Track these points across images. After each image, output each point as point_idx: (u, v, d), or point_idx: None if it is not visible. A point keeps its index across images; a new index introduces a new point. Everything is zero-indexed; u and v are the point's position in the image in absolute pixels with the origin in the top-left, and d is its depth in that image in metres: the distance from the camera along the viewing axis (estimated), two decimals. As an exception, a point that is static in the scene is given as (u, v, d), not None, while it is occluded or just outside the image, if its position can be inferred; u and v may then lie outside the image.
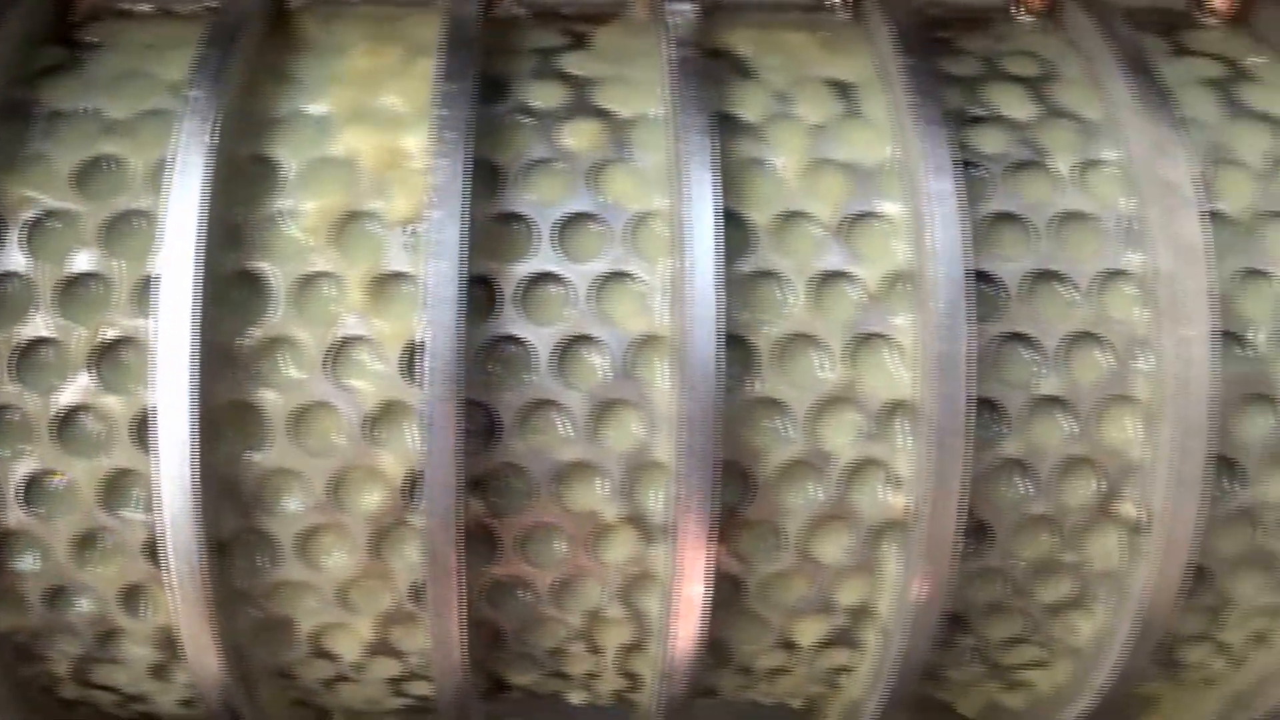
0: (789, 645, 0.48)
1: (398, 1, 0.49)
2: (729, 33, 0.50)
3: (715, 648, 0.48)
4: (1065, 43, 0.49)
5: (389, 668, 0.48)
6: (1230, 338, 0.43)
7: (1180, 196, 0.42)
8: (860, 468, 0.43)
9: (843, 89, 0.47)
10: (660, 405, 0.42)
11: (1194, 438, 0.42)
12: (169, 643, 0.44)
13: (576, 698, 0.53)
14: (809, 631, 0.47)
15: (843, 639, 0.48)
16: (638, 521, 0.43)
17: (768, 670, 0.50)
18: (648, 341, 0.42)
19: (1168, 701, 0.58)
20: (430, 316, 0.39)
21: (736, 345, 0.42)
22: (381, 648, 0.46)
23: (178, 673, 0.46)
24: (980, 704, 0.59)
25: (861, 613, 0.46)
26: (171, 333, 0.39)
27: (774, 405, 0.43)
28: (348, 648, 0.46)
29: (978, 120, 0.46)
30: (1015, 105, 0.47)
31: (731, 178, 0.44)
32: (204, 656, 0.42)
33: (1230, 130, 0.46)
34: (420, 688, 0.50)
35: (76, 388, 0.41)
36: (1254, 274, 0.44)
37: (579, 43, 0.49)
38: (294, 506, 0.42)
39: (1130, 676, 0.47)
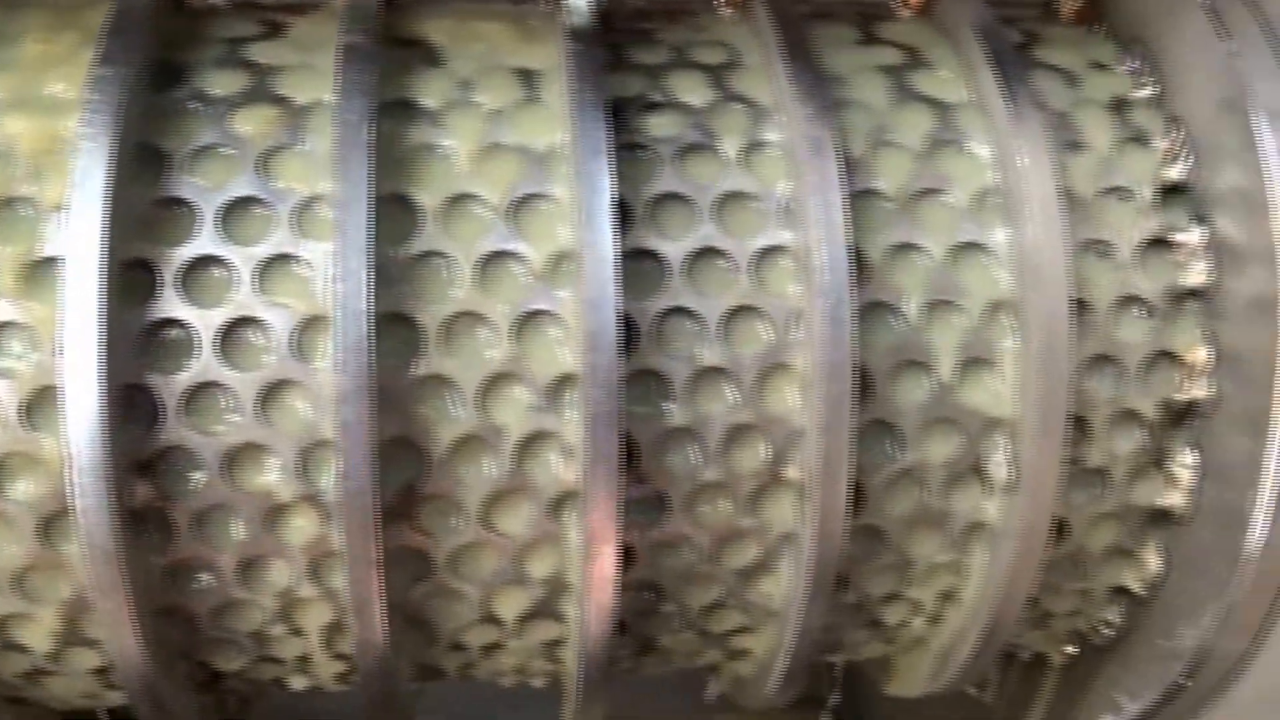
0: (494, 619, 0.49)
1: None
2: (425, 22, 0.51)
3: (419, 625, 0.49)
4: (751, 32, 0.52)
5: (88, 659, 0.48)
6: (883, 308, 0.46)
7: (826, 177, 0.45)
8: (532, 441, 0.45)
9: (528, 76, 0.49)
10: (326, 385, 0.43)
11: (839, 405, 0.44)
12: None
13: (298, 683, 0.53)
14: (509, 605, 0.48)
15: (545, 611, 0.49)
16: (313, 500, 0.44)
17: (482, 647, 0.52)
18: (312, 323, 0.43)
19: (898, 664, 0.61)
20: (72, 300, 0.40)
21: (403, 325, 0.44)
22: (72, 638, 0.46)
23: None
24: (727, 678, 0.62)
25: (556, 584, 0.48)
26: None
27: (442, 382, 0.44)
28: (35, 639, 0.46)
29: (655, 106, 0.48)
30: (694, 91, 0.49)
31: (402, 162, 0.45)
32: None
33: (895, 113, 0.49)
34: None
35: None
36: (906, 247, 0.46)
37: (274, 32, 0.50)
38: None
39: (811, 634, 0.49)
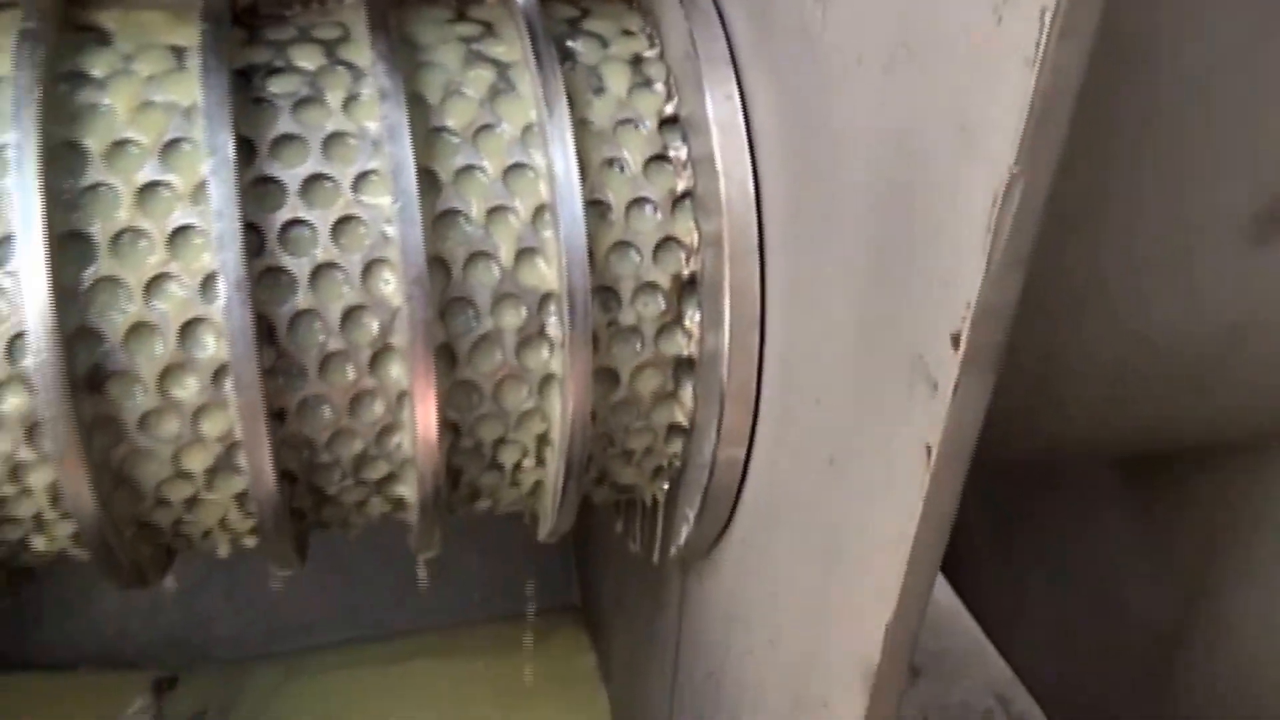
0: (186, 474, 0.64)
1: None
2: (98, 13, 0.66)
3: (125, 483, 0.63)
4: (358, 14, 0.69)
5: None
6: (455, 214, 0.64)
7: (395, 118, 0.62)
8: (189, 325, 0.60)
9: (179, 51, 0.64)
10: (23, 290, 0.57)
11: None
12: None
13: (40, 543, 0.66)
14: (195, 460, 0.63)
15: (226, 466, 0.64)
16: (21, 379, 0.58)
17: (184, 500, 0.65)
18: (3, 240, 0.58)
19: (537, 510, 0.78)
20: None
21: (79, 240, 0.59)
22: None
23: None
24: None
25: (228, 441, 0.63)
26: None
27: (114, 281, 0.59)
28: None
29: (278, 70, 0.65)
30: (309, 59, 0.66)
31: (73, 116, 0.60)
32: None
33: (466, 71, 0.67)
34: None
35: None
36: (470, 168, 0.64)
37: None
38: None
39: (438, 477, 0.66)
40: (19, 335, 0.58)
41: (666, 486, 0.77)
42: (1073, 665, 1.11)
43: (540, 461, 0.72)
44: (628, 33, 0.72)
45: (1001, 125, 0.40)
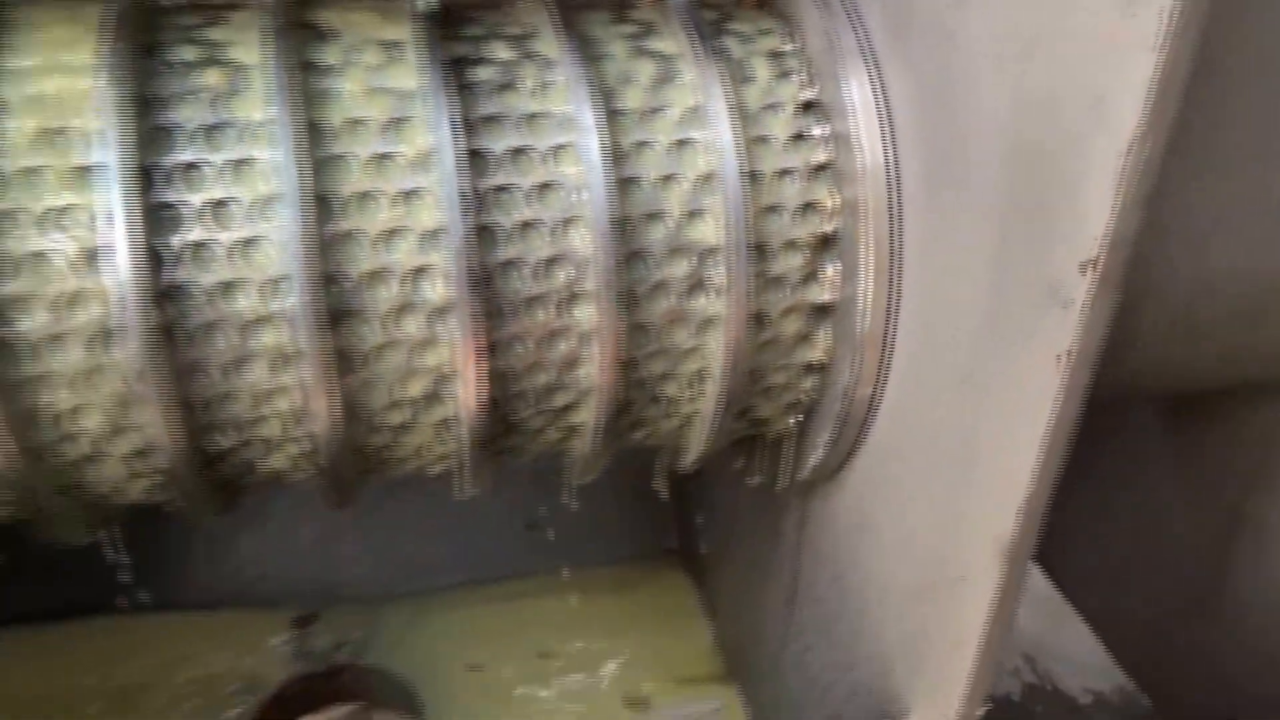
0: (403, 402, 0.76)
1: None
2: (320, 12, 0.78)
3: (352, 409, 0.75)
4: (540, 16, 0.81)
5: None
6: (634, 181, 0.75)
7: (582, 101, 0.74)
8: (418, 271, 0.72)
9: (391, 44, 0.77)
10: (285, 235, 0.70)
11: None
12: None
13: (276, 462, 0.79)
14: (412, 388, 0.75)
15: (437, 394, 0.76)
16: (280, 316, 0.71)
17: (397, 425, 0.78)
18: (271, 199, 0.70)
19: (685, 438, 0.90)
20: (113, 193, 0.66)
21: (324, 201, 0.71)
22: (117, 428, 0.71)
23: None
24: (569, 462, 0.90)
25: (442, 372, 0.75)
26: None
27: (351, 235, 0.71)
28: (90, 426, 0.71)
29: (478, 61, 0.77)
30: (503, 52, 0.78)
31: (313, 98, 0.72)
32: None
33: (632, 62, 0.79)
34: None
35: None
36: (643, 143, 0.76)
37: (218, 20, 0.76)
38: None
39: (614, 405, 0.78)
40: (280, 279, 0.70)
41: (797, 419, 0.88)
42: (1124, 593, 1.23)
43: (695, 396, 0.83)
44: (765, 31, 0.83)
45: (1129, 97, 0.52)
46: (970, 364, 0.67)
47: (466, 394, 0.75)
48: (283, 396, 0.73)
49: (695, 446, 0.88)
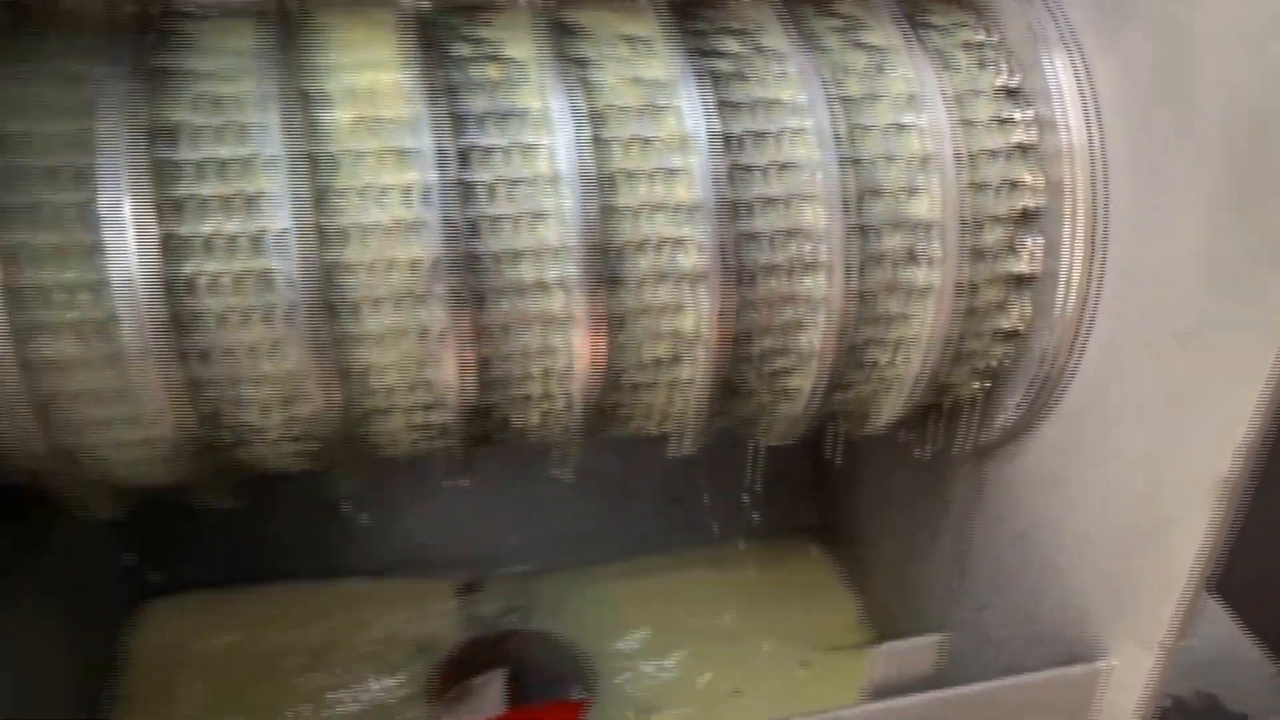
0: (651, 363, 0.85)
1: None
2: (574, 12, 0.87)
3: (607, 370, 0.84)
4: (763, 12, 0.90)
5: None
6: (858, 161, 0.84)
7: (814, 88, 0.83)
8: (673, 241, 0.81)
9: (635, 39, 0.85)
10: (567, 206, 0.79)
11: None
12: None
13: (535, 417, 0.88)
14: (660, 350, 0.84)
15: (680, 356, 0.85)
16: (565, 283, 0.80)
17: (642, 385, 0.86)
18: (552, 178, 0.79)
19: (879, 402, 0.98)
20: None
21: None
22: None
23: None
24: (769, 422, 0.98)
25: (689, 337, 0.84)
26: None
27: (615, 210, 0.80)
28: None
29: (711, 53, 0.86)
30: (730, 45, 0.87)
31: (579, 86, 0.81)
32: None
33: (847, 54, 0.87)
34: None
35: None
36: (865, 127, 0.85)
37: (483, 21, 0.85)
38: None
39: (833, 370, 0.87)
40: (559, 249, 0.79)
41: (983, 385, 0.96)
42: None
43: (899, 361, 0.92)
44: (960, 24, 0.92)
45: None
46: (1185, 322, 0.75)
47: (707, 356, 0.84)
48: (550, 357, 0.82)
49: (887, 411, 0.96)
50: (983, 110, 0.87)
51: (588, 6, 0.88)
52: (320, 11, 0.81)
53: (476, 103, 0.79)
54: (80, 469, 0.77)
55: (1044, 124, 0.86)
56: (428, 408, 0.82)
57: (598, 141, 0.80)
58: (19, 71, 0.71)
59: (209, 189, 0.72)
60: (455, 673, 1.35)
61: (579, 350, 0.81)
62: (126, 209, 0.69)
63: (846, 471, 1.40)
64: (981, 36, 0.90)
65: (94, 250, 0.69)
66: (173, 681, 1.27)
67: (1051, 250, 0.86)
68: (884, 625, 1.37)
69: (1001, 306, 0.90)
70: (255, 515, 1.38)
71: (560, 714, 1.37)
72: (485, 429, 0.86)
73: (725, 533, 1.52)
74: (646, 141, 0.81)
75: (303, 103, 0.75)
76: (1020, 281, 0.89)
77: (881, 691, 0.84)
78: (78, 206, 0.69)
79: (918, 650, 0.85)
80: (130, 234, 0.69)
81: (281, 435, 0.81)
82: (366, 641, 1.36)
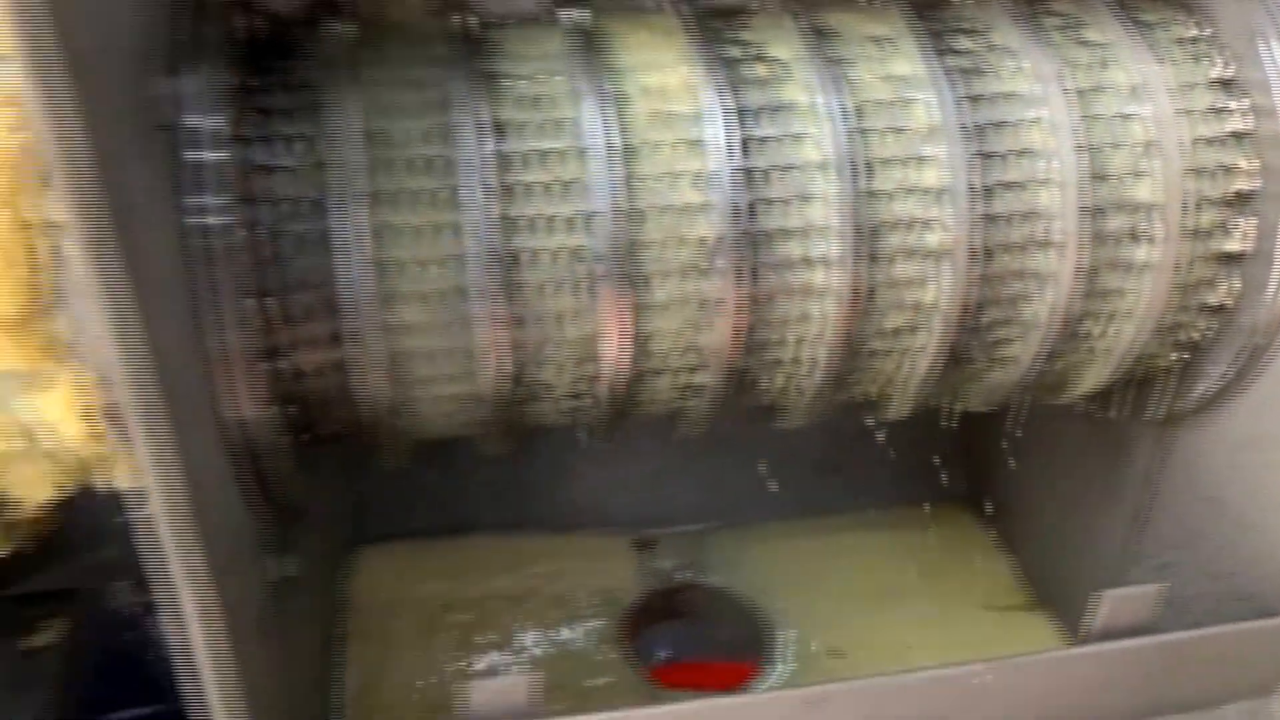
0: (886, 334, 0.94)
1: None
2: (825, 16, 0.96)
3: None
4: (996, 13, 0.98)
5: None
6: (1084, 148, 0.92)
7: (1051, 85, 0.91)
8: (922, 224, 0.90)
9: (880, 40, 0.94)
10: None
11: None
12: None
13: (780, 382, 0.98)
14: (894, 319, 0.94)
15: (915, 325, 0.94)
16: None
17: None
18: (822, 165, 0.88)
19: (1084, 371, 1.06)
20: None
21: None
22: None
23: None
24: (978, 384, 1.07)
25: (928, 308, 0.93)
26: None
27: (873, 193, 0.89)
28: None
29: (949, 51, 0.94)
30: (965, 43, 0.95)
31: (844, 82, 0.90)
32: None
33: (1070, 50, 0.95)
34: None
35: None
36: (1093, 116, 0.93)
37: (741, 24, 0.94)
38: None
39: (1053, 339, 0.95)
40: (825, 228, 0.88)
41: (1182, 356, 1.05)
42: None
43: (1110, 333, 1.00)
44: (1171, 20, 0.99)
45: None
46: None
47: (942, 326, 0.93)
48: (805, 325, 0.92)
49: (1089, 381, 1.05)
50: (1199, 100, 0.95)
51: (835, 10, 0.97)
52: (606, 18, 0.91)
53: (750, 97, 0.88)
54: (399, 421, 0.88)
55: (1261, 112, 0.93)
56: (693, 369, 0.92)
57: (861, 132, 0.89)
58: (373, 77, 0.82)
59: (532, 176, 0.82)
60: (637, 621, 1.46)
61: (832, 319, 0.90)
62: (477, 194, 0.79)
63: (1002, 438, 1.49)
64: (1194, 32, 0.98)
65: (445, 229, 0.80)
66: (389, 622, 1.39)
67: (1265, 230, 0.94)
68: (1043, 587, 1.46)
69: (1211, 283, 0.98)
70: (453, 472, 1.51)
71: (735, 674, 1.46)
72: (736, 390, 0.96)
73: (881, 498, 1.61)
74: (899, 131, 0.90)
75: (604, 99, 0.85)
76: (1231, 259, 0.97)
77: (1103, 635, 0.93)
78: (430, 192, 0.80)
79: (1139, 598, 0.93)
80: (478, 215, 0.79)
81: (567, 393, 0.91)
82: (558, 590, 1.47)
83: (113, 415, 0.65)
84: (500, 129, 0.82)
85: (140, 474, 0.66)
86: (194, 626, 0.69)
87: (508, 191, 0.81)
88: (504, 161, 0.82)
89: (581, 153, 0.83)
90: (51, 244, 0.66)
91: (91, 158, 0.54)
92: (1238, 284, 0.98)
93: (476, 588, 1.45)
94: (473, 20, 0.89)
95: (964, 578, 1.52)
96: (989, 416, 1.33)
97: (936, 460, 1.64)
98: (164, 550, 0.66)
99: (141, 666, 2.39)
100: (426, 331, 0.82)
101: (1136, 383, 1.11)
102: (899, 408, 1.04)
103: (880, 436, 1.62)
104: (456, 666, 1.36)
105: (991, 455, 1.55)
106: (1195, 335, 1.02)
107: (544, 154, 0.82)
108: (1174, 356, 1.05)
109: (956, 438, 1.62)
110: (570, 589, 1.49)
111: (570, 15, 0.90)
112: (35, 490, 0.83)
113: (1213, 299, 0.99)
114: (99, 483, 0.84)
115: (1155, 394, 1.09)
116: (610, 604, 1.47)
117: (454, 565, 1.48)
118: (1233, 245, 0.96)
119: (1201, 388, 1.02)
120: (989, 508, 1.53)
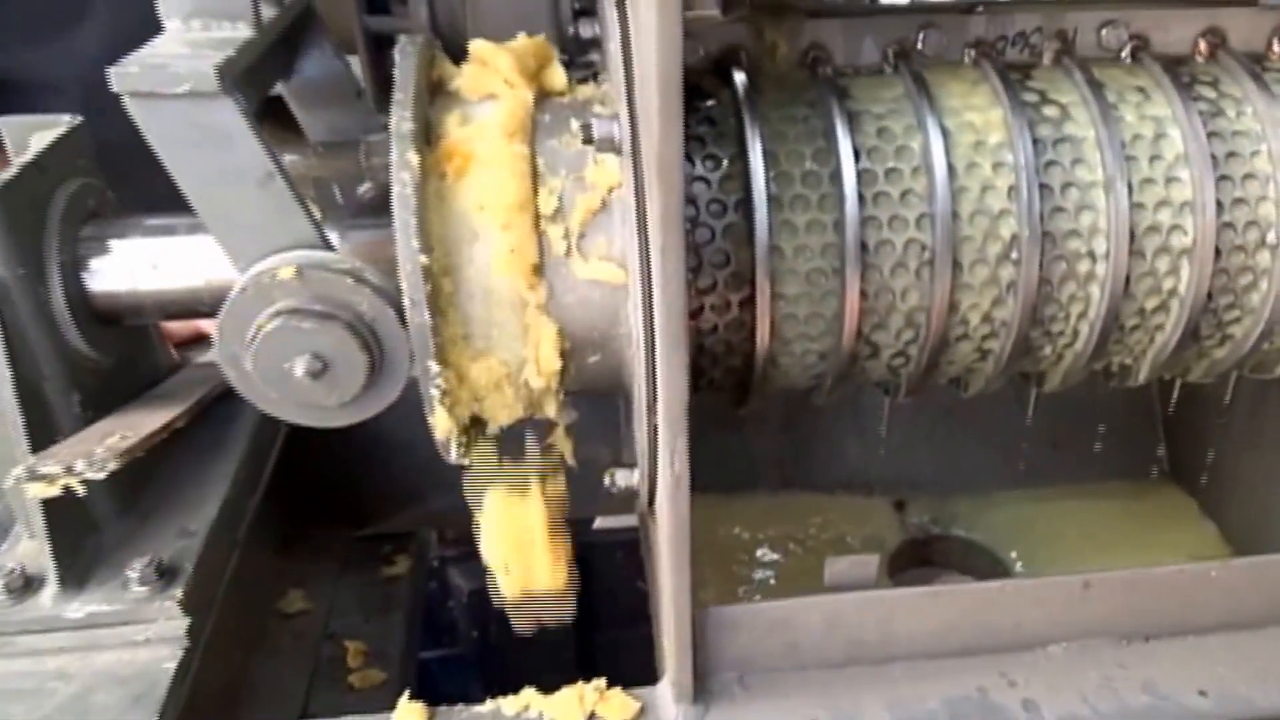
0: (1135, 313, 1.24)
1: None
2: (1095, 71, 1.27)
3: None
4: (1146, 78, 1.27)
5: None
6: None
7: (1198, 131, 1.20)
8: (1153, 229, 1.20)
9: (1138, 89, 1.25)
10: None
11: None
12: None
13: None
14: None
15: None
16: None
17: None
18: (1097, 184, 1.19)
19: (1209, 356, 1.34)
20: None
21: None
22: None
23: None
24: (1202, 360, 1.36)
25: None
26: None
27: (1136, 207, 1.20)
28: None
29: (1197, 99, 1.24)
30: (1208, 91, 1.25)
31: (1111, 123, 1.21)
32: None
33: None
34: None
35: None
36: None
37: (1030, 74, 1.26)
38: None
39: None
40: (1102, 231, 1.19)
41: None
42: None
43: (1238, 322, 1.27)
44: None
45: None
46: None
47: (1181, 309, 1.23)
48: (1077, 304, 1.23)
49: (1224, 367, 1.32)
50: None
51: (1103, 66, 1.28)
52: (930, 71, 1.24)
53: (1043, 131, 1.20)
54: (772, 370, 1.23)
55: None
56: (988, 337, 1.24)
57: (1127, 159, 1.20)
58: (764, 114, 1.17)
59: (885, 188, 1.16)
60: (897, 564, 1.78)
61: (1100, 300, 1.21)
62: (850, 202, 1.13)
63: (1214, 415, 1.75)
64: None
65: (823, 226, 1.14)
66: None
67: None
68: (1247, 548, 1.72)
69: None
70: (737, 439, 1.85)
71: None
72: (1021, 354, 1.28)
73: (1098, 472, 1.89)
74: (1156, 158, 1.20)
75: (938, 132, 1.18)
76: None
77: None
78: (820, 198, 1.14)
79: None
80: (849, 215, 1.13)
81: (893, 354, 1.24)
82: (831, 537, 1.80)
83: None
84: (861, 153, 1.16)
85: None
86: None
87: (867, 199, 1.15)
88: (865, 177, 1.15)
89: (922, 171, 1.16)
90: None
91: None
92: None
93: (764, 531, 1.80)
94: (828, 70, 1.23)
95: (1180, 542, 1.79)
96: (1198, 399, 1.61)
97: (1149, 438, 1.92)
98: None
99: (440, 613, 2.84)
100: (801, 301, 1.17)
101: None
102: (1144, 375, 1.33)
103: (1098, 417, 1.91)
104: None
105: (1200, 432, 1.82)
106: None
107: (893, 171, 1.16)
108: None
109: (1169, 417, 1.89)
110: (838, 536, 1.81)
111: (907, 67, 1.23)
112: (504, 415, 1.19)
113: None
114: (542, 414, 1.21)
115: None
116: (875, 549, 1.79)
117: (738, 516, 1.83)
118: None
119: None
120: (1203, 479, 1.79)
